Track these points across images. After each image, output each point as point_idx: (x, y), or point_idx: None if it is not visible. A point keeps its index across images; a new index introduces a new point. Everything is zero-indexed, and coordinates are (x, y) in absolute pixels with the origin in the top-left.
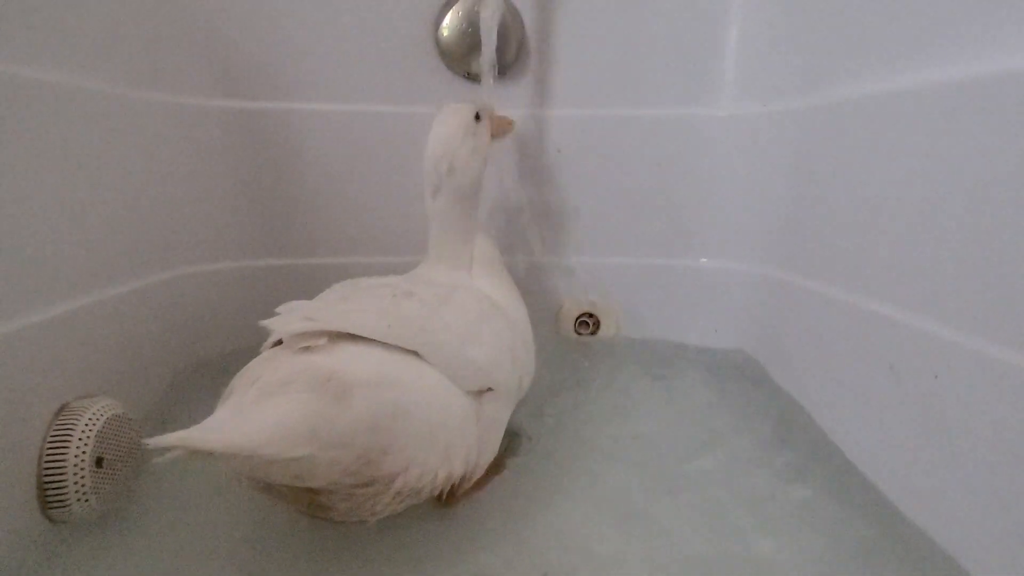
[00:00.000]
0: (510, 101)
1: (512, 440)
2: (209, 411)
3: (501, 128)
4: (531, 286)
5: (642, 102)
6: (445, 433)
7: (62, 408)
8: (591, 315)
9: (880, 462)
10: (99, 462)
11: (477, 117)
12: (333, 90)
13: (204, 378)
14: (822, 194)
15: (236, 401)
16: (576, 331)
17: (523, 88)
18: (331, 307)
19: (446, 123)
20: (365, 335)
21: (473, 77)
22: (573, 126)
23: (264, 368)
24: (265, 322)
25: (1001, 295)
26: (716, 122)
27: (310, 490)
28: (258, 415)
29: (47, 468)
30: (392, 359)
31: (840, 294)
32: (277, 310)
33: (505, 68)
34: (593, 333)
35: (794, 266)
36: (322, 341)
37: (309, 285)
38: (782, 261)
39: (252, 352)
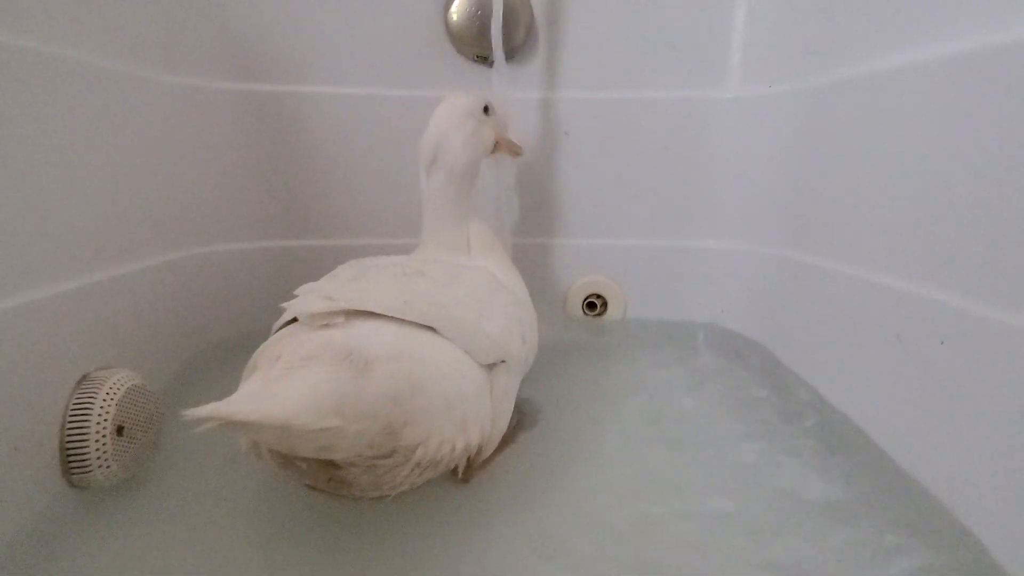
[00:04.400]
0: (518, 84)
1: (522, 415)
2: (224, 388)
3: (509, 147)
4: (539, 267)
5: (649, 84)
6: (462, 404)
7: (83, 378)
8: (599, 296)
9: (889, 428)
10: (120, 430)
11: (487, 110)
12: (344, 73)
13: (218, 356)
14: (827, 172)
15: (262, 375)
16: (584, 311)
17: (531, 71)
18: (346, 287)
19: (449, 104)
20: (384, 313)
21: (483, 60)
22: (581, 108)
23: (286, 345)
24: (285, 304)
25: (1005, 260)
26: (722, 104)
27: (331, 464)
28: (288, 388)
29: (69, 435)
30: (408, 334)
31: (846, 269)
32: (295, 292)
33: (514, 51)
34: (601, 314)
35: (800, 244)
36: (339, 319)
37: (321, 266)
38: (788, 240)
39: (266, 332)
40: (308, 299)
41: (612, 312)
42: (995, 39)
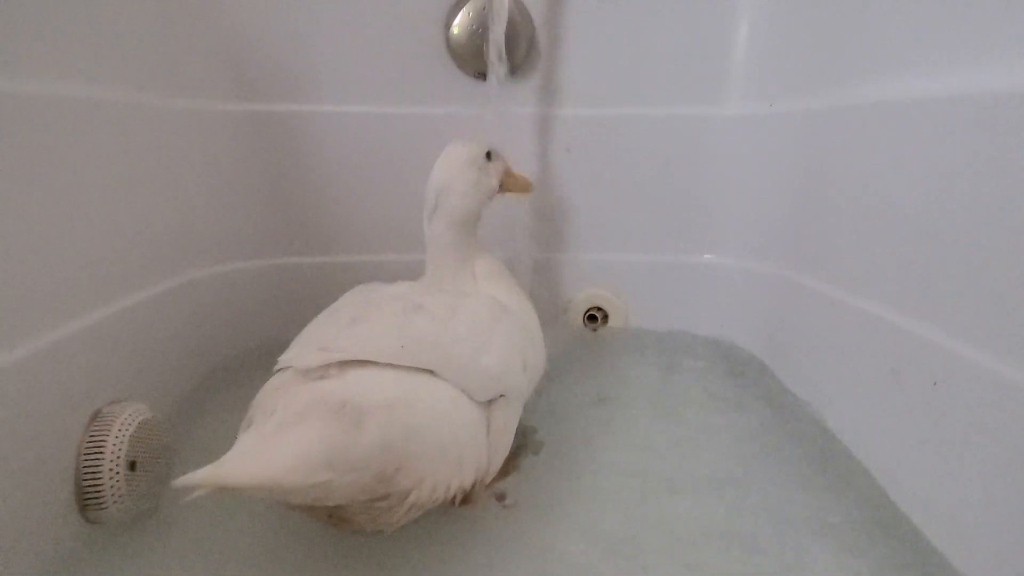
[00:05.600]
0: (521, 100)
1: (524, 437)
2: (233, 407)
3: (517, 184)
4: (541, 281)
5: (651, 101)
6: (457, 447)
7: (95, 415)
8: (600, 309)
9: (884, 462)
10: (132, 466)
11: (489, 156)
12: (346, 92)
13: (227, 373)
14: (826, 196)
15: (256, 433)
16: (585, 324)
17: (533, 87)
18: (343, 332)
19: (451, 153)
20: (380, 360)
21: (483, 76)
22: (582, 125)
23: (281, 398)
24: (282, 357)
25: (1002, 307)
26: (723, 122)
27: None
28: (278, 447)
29: (85, 473)
30: (404, 379)
31: (842, 295)
32: (293, 343)
33: (515, 67)
34: (601, 327)
35: (797, 265)
36: (334, 370)
37: (324, 282)
38: (786, 260)
39: (272, 349)
40: (303, 351)
41: (613, 324)
42: (1000, 82)
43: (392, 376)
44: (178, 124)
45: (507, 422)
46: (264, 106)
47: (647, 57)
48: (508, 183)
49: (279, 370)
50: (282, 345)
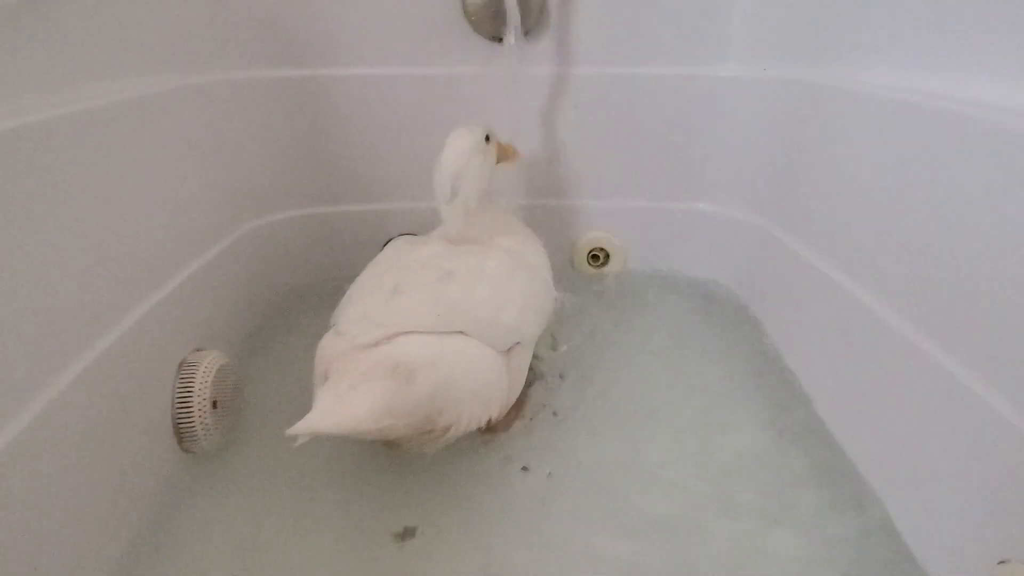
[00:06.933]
0: (532, 61)
1: (534, 377)
2: (288, 346)
3: (506, 154)
4: (548, 225)
5: (654, 61)
6: (485, 390)
7: (182, 363)
8: (602, 249)
9: (833, 406)
10: (215, 404)
11: (487, 139)
12: (371, 56)
13: (280, 312)
14: (803, 163)
15: (333, 391)
16: (588, 263)
17: (544, 48)
18: (388, 306)
19: (458, 142)
20: (421, 330)
21: (499, 40)
22: (590, 83)
23: (349, 362)
24: (348, 331)
25: (936, 293)
26: (720, 82)
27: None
28: (353, 402)
29: (178, 412)
30: (442, 341)
31: (808, 255)
32: (347, 315)
33: (528, 30)
34: (603, 265)
35: (776, 220)
36: (385, 338)
37: (357, 228)
38: (767, 213)
39: (314, 290)
40: (362, 326)
41: (614, 264)
42: (981, 98)
43: (432, 339)
44: (223, 95)
45: (522, 363)
46: (298, 71)
47: (652, 19)
48: (502, 156)
49: (338, 333)
50: (322, 287)
